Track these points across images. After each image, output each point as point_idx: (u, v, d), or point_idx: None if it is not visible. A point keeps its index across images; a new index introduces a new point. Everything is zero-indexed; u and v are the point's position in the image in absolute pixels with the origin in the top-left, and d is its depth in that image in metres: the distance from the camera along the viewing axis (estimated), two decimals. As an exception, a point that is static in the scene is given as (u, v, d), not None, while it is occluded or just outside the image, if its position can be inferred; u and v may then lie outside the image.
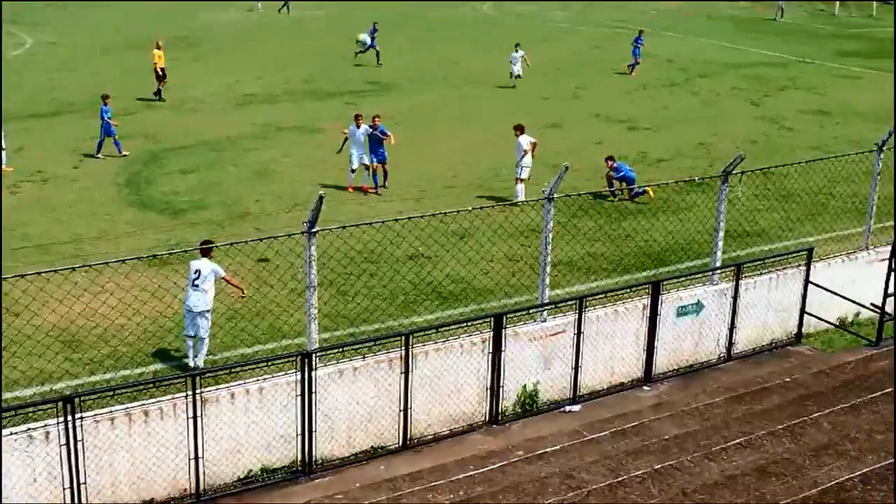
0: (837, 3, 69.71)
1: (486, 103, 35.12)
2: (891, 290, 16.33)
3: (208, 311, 14.98)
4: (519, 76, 37.53)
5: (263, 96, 35.62)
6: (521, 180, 23.45)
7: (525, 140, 23.51)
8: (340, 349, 12.67)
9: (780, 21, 63.10)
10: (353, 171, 24.30)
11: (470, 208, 15.74)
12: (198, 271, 14.86)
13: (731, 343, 15.79)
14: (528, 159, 23.47)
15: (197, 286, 14.82)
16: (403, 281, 18.03)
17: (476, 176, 25.87)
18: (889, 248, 16.50)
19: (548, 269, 14.21)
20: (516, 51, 37.40)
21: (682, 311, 15.18)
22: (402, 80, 38.95)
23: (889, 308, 16.51)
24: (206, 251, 15.04)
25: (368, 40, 42.52)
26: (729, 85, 39.83)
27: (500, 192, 24.11)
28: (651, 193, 23.72)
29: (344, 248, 16.18)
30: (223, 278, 15.06)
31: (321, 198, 11.86)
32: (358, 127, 24.23)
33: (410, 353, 12.66)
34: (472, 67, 41.90)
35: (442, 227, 18.92)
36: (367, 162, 24.26)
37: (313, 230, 12.05)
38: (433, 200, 23.17)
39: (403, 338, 12.68)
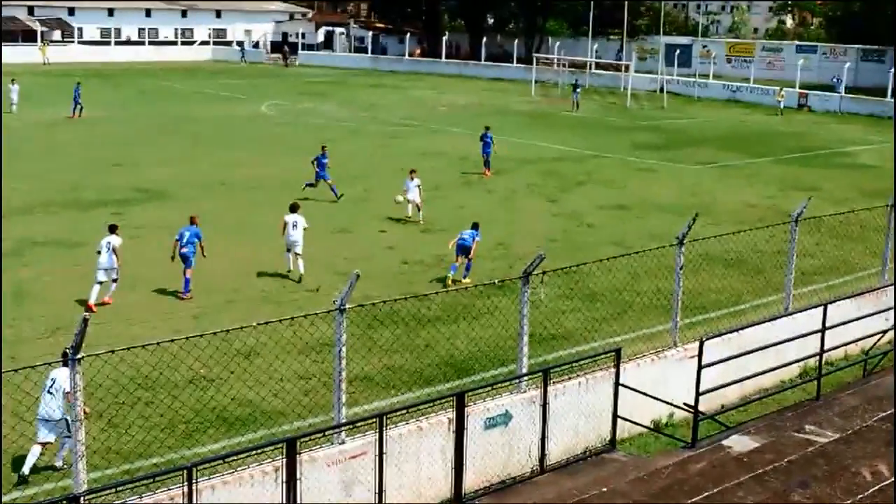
0: (629, 95, 73.53)
1: (271, 210, 34.90)
2: (702, 387, 16.91)
3: (64, 417, 15.44)
4: (417, 206, 33.47)
5: (18, 208, 34.35)
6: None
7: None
8: (113, 489, 12.10)
9: (575, 114, 65.96)
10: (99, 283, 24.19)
11: (254, 324, 15.48)
12: (53, 380, 15.54)
13: (543, 454, 15.95)
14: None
15: (52, 394, 15.53)
16: (184, 408, 17.48)
17: (259, 288, 25.59)
18: (696, 344, 17.14)
19: (343, 385, 14.07)
20: (411, 178, 33.38)
21: (489, 423, 15.27)
22: (177, 188, 38.39)
23: (702, 407, 17.09)
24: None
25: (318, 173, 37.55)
26: (524, 181, 41.11)
27: (288, 305, 23.89)
28: (451, 283, 24.20)
29: (114, 374, 15.57)
30: (67, 394, 15.35)
31: (85, 320, 11.41)
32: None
33: (195, 488, 12.20)
34: (255, 172, 41.75)
35: (224, 347, 18.47)
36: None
37: (77, 357, 11.56)
38: (213, 317, 22.75)
39: (185, 471, 12.23)
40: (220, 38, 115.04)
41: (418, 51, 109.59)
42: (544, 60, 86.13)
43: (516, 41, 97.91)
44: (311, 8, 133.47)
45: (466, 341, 20.88)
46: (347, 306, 14.01)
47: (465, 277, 26.30)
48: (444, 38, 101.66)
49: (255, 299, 24.66)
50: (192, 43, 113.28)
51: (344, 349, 14.02)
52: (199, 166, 42.81)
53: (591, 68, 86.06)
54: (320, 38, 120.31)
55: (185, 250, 25.00)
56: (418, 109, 66.39)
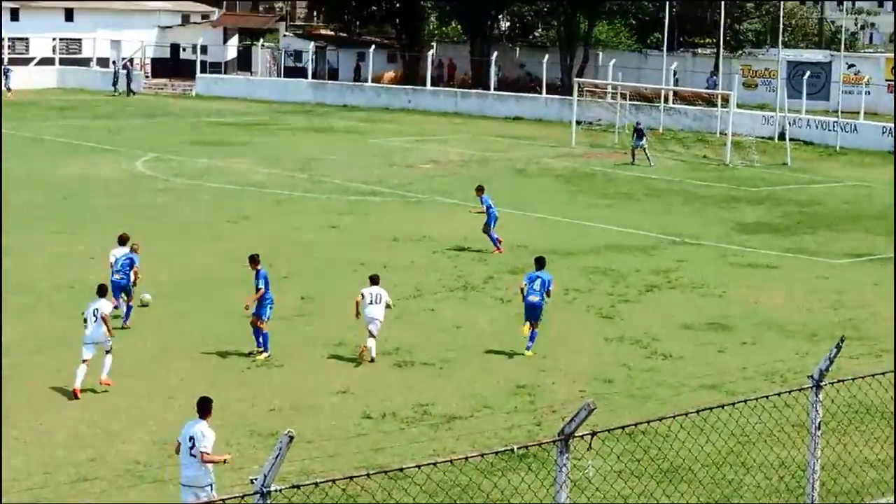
0: (729, 145, 73.40)
1: (144, 332, 34.80)
2: None
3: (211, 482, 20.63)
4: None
5: None
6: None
7: None
8: None
9: (635, 173, 66.24)
10: None
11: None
12: (192, 438, 20.22)
13: None
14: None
15: (194, 457, 20.15)
16: None
17: (127, 457, 25.44)
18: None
19: None
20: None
21: None
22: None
23: None
24: None
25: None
26: (561, 285, 41.01)
27: (166, 485, 23.71)
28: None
29: None
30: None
31: None
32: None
33: None
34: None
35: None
36: None
37: None
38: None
39: None
40: (71, 52, 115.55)
41: (390, 73, 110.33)
42: (592, 88, 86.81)
43: (546, 57, 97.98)
44: (218, 5, 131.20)
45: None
46: (274, 487, 13.89)
47: (528, 349, 30.16)
48: (430, 54, 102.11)
49: (117, 473, 24.48)
50: (27, 61, 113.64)
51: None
52: (33, 259, 42.69)
53: (666, 101, 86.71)
54: (231, 52, 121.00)
55: (116, 277, 30.73)
56: (388, 168, 66.70)
